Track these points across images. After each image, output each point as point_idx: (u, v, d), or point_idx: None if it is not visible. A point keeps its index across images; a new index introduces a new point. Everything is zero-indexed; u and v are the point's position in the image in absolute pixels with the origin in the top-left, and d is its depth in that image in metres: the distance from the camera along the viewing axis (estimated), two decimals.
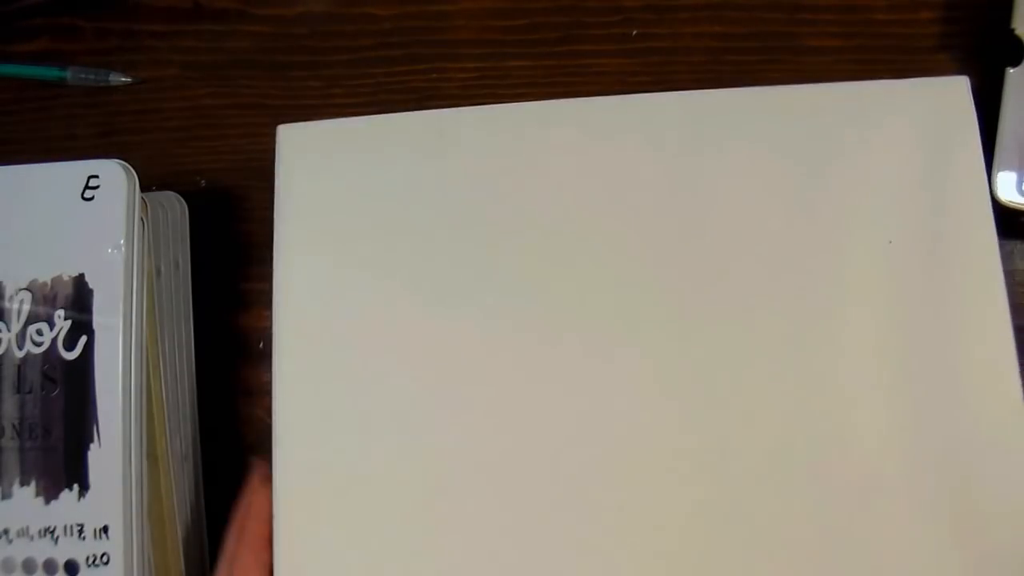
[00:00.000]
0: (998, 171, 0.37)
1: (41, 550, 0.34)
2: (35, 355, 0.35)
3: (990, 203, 0.36)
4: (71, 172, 0.36)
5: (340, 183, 0.39)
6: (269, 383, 0.42)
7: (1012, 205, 0.37)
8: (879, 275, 0.37)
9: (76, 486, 0.34)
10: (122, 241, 0.35)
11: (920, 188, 0.37)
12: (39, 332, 0.35)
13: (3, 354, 0.36)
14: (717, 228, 0.38)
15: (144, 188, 0.36)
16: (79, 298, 0.35)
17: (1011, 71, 0.37)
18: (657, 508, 0.36)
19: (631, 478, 0.37)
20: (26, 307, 0.36)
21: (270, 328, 0.42)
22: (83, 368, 0.35)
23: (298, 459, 0.37)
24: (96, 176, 0.36)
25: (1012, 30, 0.37)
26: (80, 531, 0.34)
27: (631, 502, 0.37)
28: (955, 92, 0.37)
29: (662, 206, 0.38)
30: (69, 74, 0.44)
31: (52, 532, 0.34)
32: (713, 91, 0.39)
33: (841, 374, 0.37)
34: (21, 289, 0.36)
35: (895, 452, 0.36)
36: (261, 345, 0.42)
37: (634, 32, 0.42)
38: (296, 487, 0.37)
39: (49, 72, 0.44)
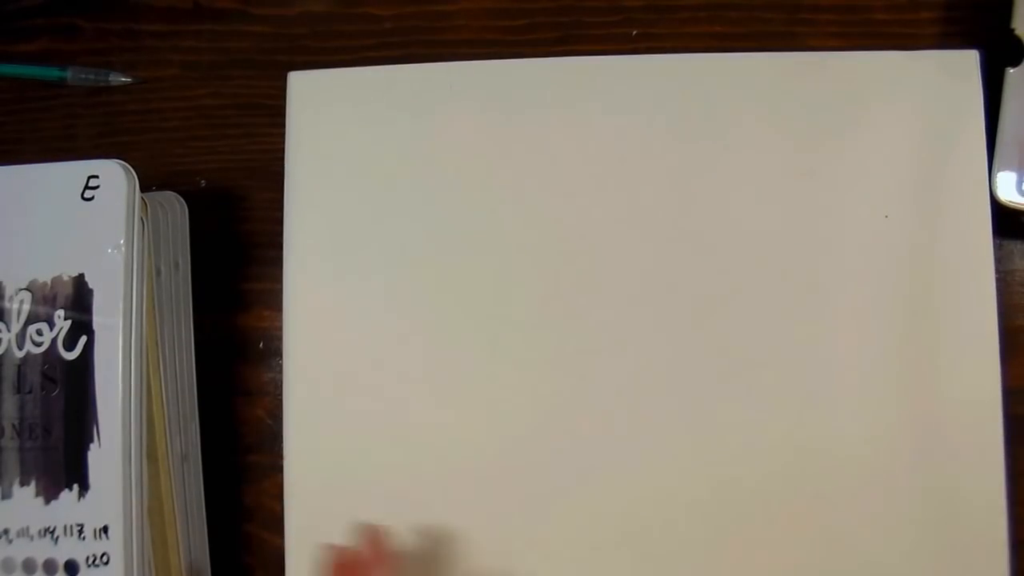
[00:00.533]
0: (998, 171, 0.37)
1: (41, 550, 0.34)
2: (35, 355, 0.35)
3: (988, 180, 0.36)
4: (71, 172, 0.36)
5: (348, 130, 0.39)
6: (269, 383, 0.42)
7: (1011, 205, 0.37)
8: (874, 247, 0.37)
9: (76, 486, 0.34)
10: (122, 241, 0.35)
11: (921, 160, 0.37)
12: (39, 332, 0.35)
13: (3, 354, 0.36)
14: (719, 185, 0.38)
15: (144, 188, 0.36)
16: (79, 298, 0.35)
17: (1011, 71, 0.37)
18: (651, 492, 0.37)
19: (627, 460, 0.37)
20: (26, 307, 0.36)
21: (270, 328, 0.42)
22: (83, 368, 0.35)
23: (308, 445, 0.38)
24: (96, 176, 0.36)
25: (1012, 30, 0.37)
26: (80, 531, 0.34)
27: (623, 481, 0.37)
28: (963, 65, 0.37)
29: (663, 170, 0.38)
30: (69, 74, 0.44)
31: (52, 532, 0.34)
32: (718, 55, 0.39)
33: (829, 346, 0.37)
34: (21, 289, 0.36)
35: (877, 427, 0.36)
36: (261, 345, 0.42)
37: (634, 32, 0.42)
38: (307, 485, 0.38)
39: (49, 72, 0.44)
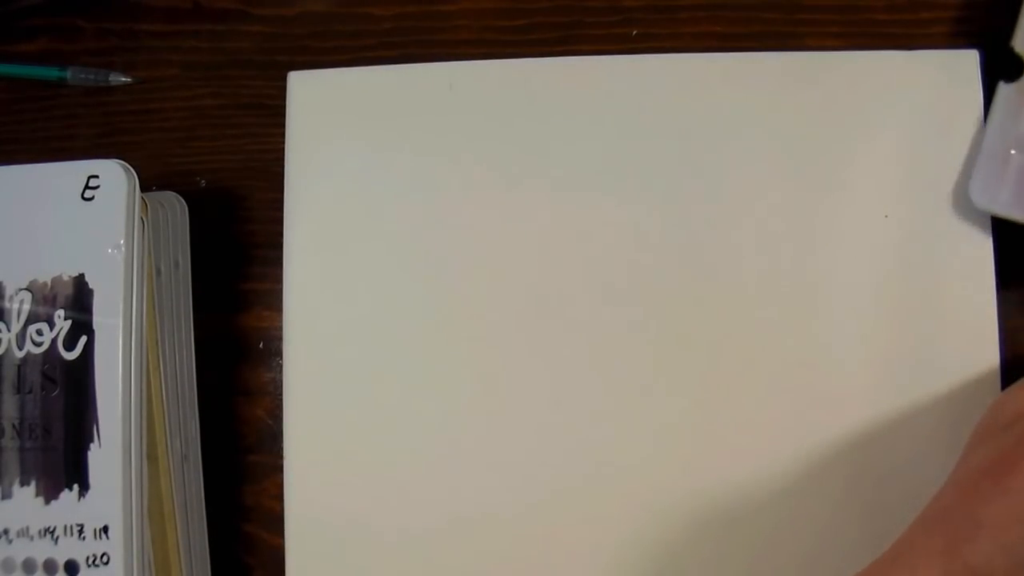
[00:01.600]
0: (976, 177, 0.36)
1: (41, 550, 0.34)
2: (35, 355, 0.35)
3: None
4: (71, 172, 0.36)
5: (348, 130, 0.39)
6: (269, 383, 0.42)
7: (988, 211, 0.36)
8: (874, 247, 0.37)
9: (76, 486, 0.34)
10: (122, 241, 0.35)
11: (921, 160, 0.37)
12: (39, 332, 0.35)
13: (3, 354, 0.36)
14: (719, 185, 0.38)
15: (144, 188, 0.36)
16: (79, 298, 0.35)
17: (1003, 85, 0.36)
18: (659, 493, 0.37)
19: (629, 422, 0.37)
20: (26, 307, 0.36)
21: (270, 328, 0.42)
22: (83, 368, 0.35)
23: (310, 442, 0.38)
24: (96, 176, 0.36)
25: (1011, 48, 0.36)
26: (80, 531, 0.34)
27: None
28: (964, 65, 0.37)
29: (663, 169, 0.38)
30: (69, 74, 0.44)
31: (52, 532, 0.34)
32: (718, 55, 0.39)
33: (828, 346, 0.37)
34: (21, 289, 0.36)
35: (877, 428, 0.36)
36: (261, 345, 0.42)
37: (634, 32, 0.42)
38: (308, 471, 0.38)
39: (49, 72, 0.44)
